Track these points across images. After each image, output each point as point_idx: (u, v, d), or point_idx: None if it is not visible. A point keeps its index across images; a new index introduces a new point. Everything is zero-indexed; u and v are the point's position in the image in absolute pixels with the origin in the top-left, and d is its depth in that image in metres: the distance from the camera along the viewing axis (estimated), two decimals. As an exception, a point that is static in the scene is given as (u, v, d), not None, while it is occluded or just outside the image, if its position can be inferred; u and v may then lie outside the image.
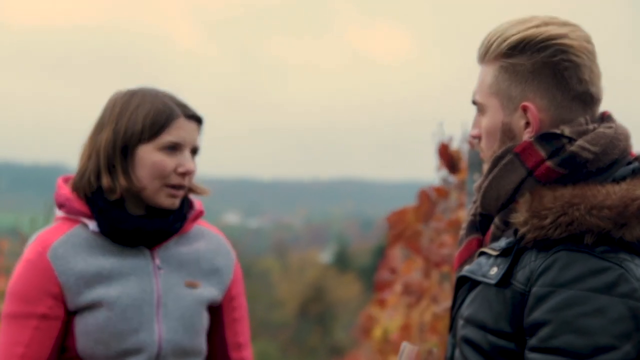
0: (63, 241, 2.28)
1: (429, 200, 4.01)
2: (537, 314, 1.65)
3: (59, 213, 2.34)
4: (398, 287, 4.79)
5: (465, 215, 4.11)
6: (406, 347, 1.96)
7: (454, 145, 4.21)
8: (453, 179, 4.31)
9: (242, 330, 2.47)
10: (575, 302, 1.62)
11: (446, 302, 4.07)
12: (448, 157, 4.14)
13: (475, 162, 4.00)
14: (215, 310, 2.42)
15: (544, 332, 1.64)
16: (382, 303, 5.56)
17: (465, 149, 4.17)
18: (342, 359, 21.37)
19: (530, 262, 1.68)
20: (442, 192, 4.06)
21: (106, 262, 2.28)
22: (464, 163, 4.11)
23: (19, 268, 2.29)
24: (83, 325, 2.27)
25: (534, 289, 1.66)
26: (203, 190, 2.39)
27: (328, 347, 32.21)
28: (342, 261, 43.14)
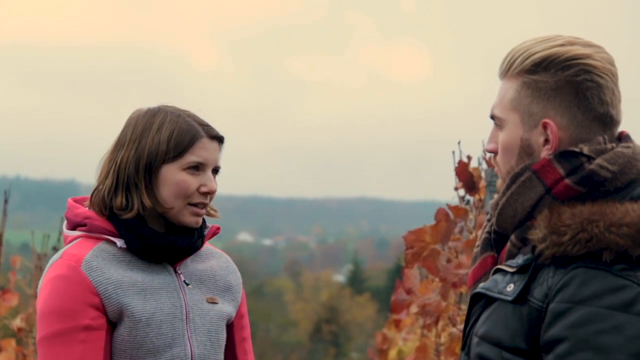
0: (94, 255, 2.26)
1: (447, 220, 3.96)
2: (555, 331, 1.64)
3: (74, 232, 2.32)
4: (414, 308, 4.74)
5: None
6: None
7: (473, 164, 4.17)
8: (471, 198, 4.27)
9: (249, 349, 2.50)
10: (593, 319, 1.62)
11: (463, 324, 4.02)
12: (466, 176, 4.11)
13: (494, 182, 3.96)
14: (227, 329, 2.44)
15: (561, 348, 1.63)
16: (398, 324, 5.52)
17: (484, 167, 4.13)
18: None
19: (548, 279, 1.68)
20: (460, 212, 4.02)
21: (137, 276, 2.28)
22: (482, 182, 4.08)
23: (49, 286, 2.23)
24: (119, 342, 2.24)
25: (552, 305, 1.65)
26: (214, 212, 2.41)
27: (342, 367, 32.09)
28: (356, 281, 43.09)
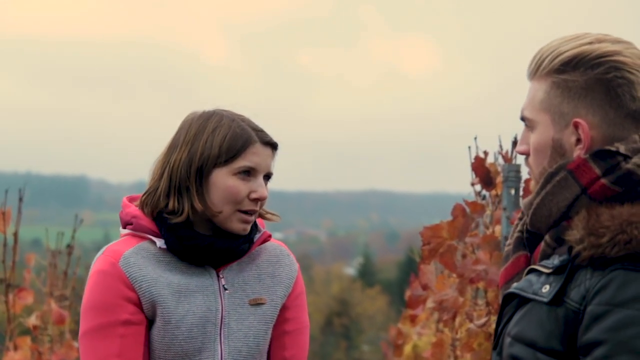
0: (133, 252, 2.26)
1: (464, 215, 3.94)
2: (593, 334, 1.62)
3: (124, 231, 2.33)
4: (430, 303, 4.72)
5: (500, 230, 4.07)
6: None
7: (489, 160, 4.14)
8: (487, 193, 4.25)
9: (292, 344, 2.38)
10: (632, 322, 1.59)
11: (481, 320, 4.00)
12: (483, 172, 4.08)
13: (511, 177, 3.94)
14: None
15: (599, 352, 1.60)
16: (413, 319, 5.51)
17: (500, 163, 4.10)
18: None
19: (586, 281, 1.66)
20: (477, 207, 3.99)
21: (174, 277, 2.26)
22: (499, 178, 4.05)
23: (90, 282, 2.25)
24: (150, 343, 2.24)
25: (590, 308, 1.63)
26: (273, 217, 2.39)
27: (353, 360, 32.09)
28: (367, 274, 43.08)
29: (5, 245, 5.02)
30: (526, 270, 1.78)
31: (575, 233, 1.69)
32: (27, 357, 5.14)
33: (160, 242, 2.27)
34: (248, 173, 2.27)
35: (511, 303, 1.76)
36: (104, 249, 2.30)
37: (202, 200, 2.25)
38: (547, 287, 1.69)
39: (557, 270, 1.69)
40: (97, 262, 2.26)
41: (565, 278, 1.67)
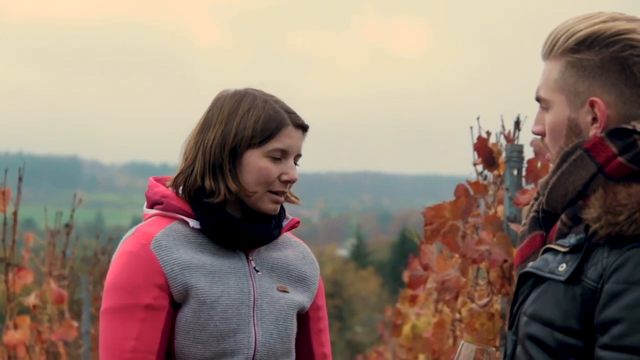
0: (165, 234, 2.24)
1: (467, 196, 3.94)
2: (610, 312, 1.62)
3: (151, 211, 2.32)
4: (430, 284, 4.73)
5: (502, 210, 4.07)
6: (464, 346, 1.92)
7: (491, 140, 4.14)
8: (489, 173, 4.25)
9: (326, 341, 2.47)
10: None
11: (483, 300, 4.01)
12: (486, 152, 4.08)
13: (513, 158, 3.94)
14: (302, 320, 2.41)
15: (616, 330, 1.60)
16: (414, 299, 5.52)
17: (503, 143, 4.10)
18: (361, 354, 21.30)
19: (603, 259, 1.65)
20: (480, 188, 3.99)
21: (207, 259, 2.25)
22: (502, 158, 4.05)
23: (119, 261, 2.23)
24: (183, 323, 2.22)
25: (607, 286, 1.63)
26: (295, 200, 2.39)
27: (346, 342, 32.18)
28: (360, 256, 43.16)
29: (5, 224, 5.01)
30: (542, 250, 1.78)
31: (592, 211, 1.68)
32: (26, 336, 5.14)
33: (193, 223, 2.26)
34: (280, 155, 2.28)
35: (527, 282, 1.76)
36: (133, 229, 2.28)
37: (236, 181, 2.25)
38: (564, 265, 1.69)
39: (573, 249, 1.69)
40: (127, 243, 2.24)
41: (582, 256, 1.67)
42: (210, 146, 2.25)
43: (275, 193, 2.29)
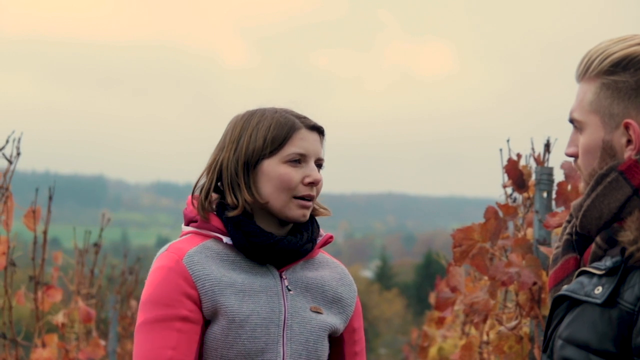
0: (197, 250, 2.26)
1: (497, 218, 3.93)
2: None
3: (186, 228, 2.34)
4: (458, 306, 4.71)
5: (531, 233, 4.06)
6: None
7: (522, 162, 4.13)
8: (519, 196, 4.24)
9: None
10: None
11: (511, 322, 3.99)
12: (516, 174, 4.07)
13: (543, 180, 3.93)
14: (336, 342, 2.39)
15: None
16: (442, 321, 5.50)
17: (532, 165, 4.10)
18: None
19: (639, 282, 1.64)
20: (510, 210, 3.98)
21: (238, 276, 2.25)
22: (532, 180, 4.04)
23: (154, 276, 2.24)
24: (211, 340, 2.22)
25: None
26: (325, 212, 2.38)
27: (370, 363, 32.04)
28: (384, 277, 43.03)
29: (35, 243, 5.04)
30: (577, 273, 1.77)
31: (628, 234, 1.68)
32: (54, 355, 5.16)
33: (227, 239, 2.28)
34: (299, 160, 2.28)
35: (561, 305, 1.75)
36: (167, 245, 2.31)
37: (250, 192, 2.26)
38: (600, 288, 1.68)
39: (609, 272, 1.68)
40: (160, 259, 2.26)
41: (618, 279, 1.66)
42: (227, 165, 2.28)
43: (302, 198, 2.28)
